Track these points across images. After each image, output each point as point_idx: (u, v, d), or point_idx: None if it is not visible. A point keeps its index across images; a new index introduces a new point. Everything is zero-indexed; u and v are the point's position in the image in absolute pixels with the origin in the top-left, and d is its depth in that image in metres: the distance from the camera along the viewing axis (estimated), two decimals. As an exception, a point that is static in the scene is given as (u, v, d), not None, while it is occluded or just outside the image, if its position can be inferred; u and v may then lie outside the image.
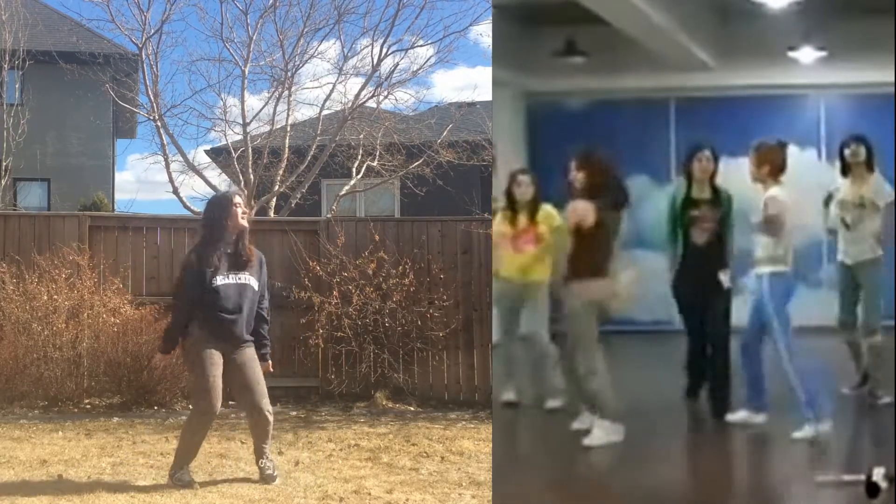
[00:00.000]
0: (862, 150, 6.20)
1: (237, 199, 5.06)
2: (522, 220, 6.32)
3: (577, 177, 5.32)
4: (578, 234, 5.27)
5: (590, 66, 9.18)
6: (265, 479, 5.03)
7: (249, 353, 5.06)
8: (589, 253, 5.25)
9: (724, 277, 5.83)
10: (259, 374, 5.06)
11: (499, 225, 6.44)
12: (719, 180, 6.02)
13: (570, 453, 5.25)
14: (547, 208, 6.31)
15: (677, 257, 6.09)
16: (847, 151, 6.25)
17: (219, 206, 5.10)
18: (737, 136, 6.56)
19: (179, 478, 4.93)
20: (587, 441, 5.25)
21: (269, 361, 5.25)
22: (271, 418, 5.11)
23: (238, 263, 5.00)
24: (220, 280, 4.92)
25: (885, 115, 7.83)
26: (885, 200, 6.18)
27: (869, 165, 6.23)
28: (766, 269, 5.39)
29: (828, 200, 6.39)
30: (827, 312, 6.51)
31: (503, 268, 6.39)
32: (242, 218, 5.03)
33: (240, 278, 4.99)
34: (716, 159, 6.01)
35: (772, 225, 5.36)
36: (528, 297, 6.32)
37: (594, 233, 5.23)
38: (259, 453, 5.11)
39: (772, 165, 5.46)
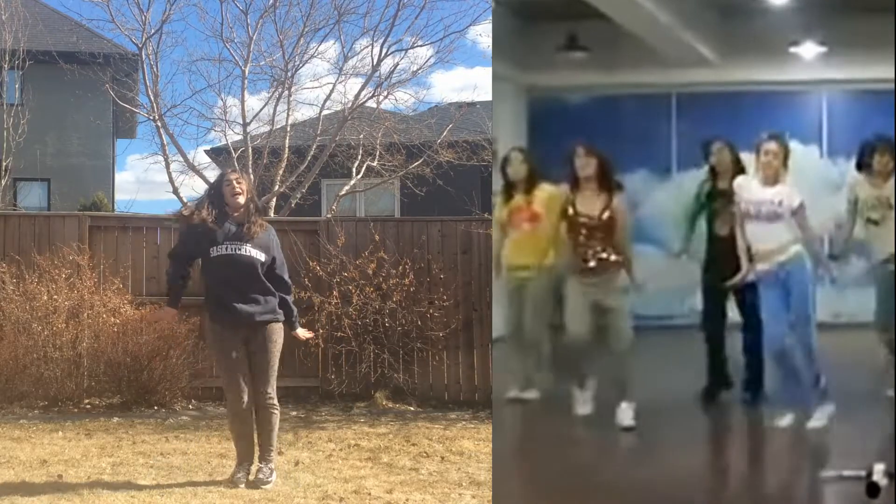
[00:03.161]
0: (889, 157, 6.06)
1: (232, 177, 4.96)
2: (518, 199, 6.12)
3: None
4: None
5: (591, 61, 9.15)
6: (255, 482, 4.80)
7: (265, 333, 4.88)
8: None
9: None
10: (269, 360, 4.89)
11: (497, 210, 6.29)
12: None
13: (570, 453, 5.21)
14: (546, 187, 6.10)
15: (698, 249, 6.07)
16: (875, 156, 6.00)
17: (213, 184, 5.10)
18: (738, 132, 6.52)
19: (232, 479, 4.86)
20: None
21: (299, 329, 5.20)
22: (276, 412, 4.92)
23: (240, 236, 4.83)
24: (215, 252, 4.80)
25: (886, 110, 7.79)
26: None
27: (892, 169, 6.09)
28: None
29: (854, 200, 6.25)
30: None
31: (502, 252, 6.21)
32: (234, 196, 4.87)
33: (240, 249, 4.81)
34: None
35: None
36: (530, 281, 6.11)
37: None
38: (262, 453, 4.91)
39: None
